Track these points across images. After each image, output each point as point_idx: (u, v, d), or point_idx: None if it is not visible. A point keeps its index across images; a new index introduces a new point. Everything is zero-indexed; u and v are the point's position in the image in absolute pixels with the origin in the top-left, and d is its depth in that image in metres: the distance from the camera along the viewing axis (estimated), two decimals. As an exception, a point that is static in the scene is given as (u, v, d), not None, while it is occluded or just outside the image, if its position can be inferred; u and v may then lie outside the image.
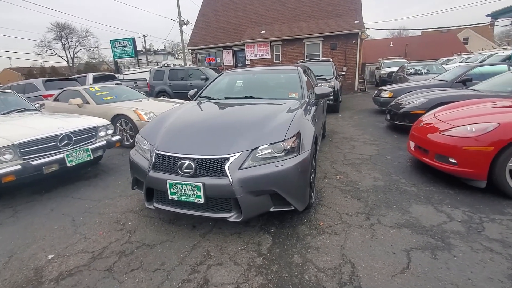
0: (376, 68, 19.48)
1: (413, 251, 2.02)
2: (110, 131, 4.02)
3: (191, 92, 3.91)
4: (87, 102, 5.57)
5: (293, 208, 2.23)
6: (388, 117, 6.32)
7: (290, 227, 2.43)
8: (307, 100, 3.21)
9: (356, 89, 14.81)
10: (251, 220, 2.49)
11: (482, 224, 2.32)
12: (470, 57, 18.33)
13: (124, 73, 13.72)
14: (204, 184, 2.07)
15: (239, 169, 2.08)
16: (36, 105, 4.90)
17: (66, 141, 3.32)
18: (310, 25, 14.48)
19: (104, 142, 3.78)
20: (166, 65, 14.80)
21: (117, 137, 3.99)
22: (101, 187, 3.52)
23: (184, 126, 2.60)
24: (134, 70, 15.15)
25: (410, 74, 11.71)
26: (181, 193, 2.16)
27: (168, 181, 2.16)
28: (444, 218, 2.43)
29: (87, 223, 2.66)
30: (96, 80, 10.44)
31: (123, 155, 4.90)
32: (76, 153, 3.33)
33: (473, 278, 1.74)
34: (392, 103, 6.26)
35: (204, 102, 3.40)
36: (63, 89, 6.26)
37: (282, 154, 2.19)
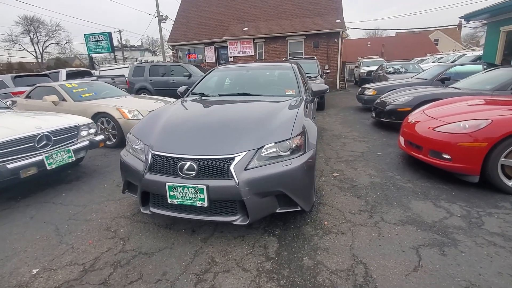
0: (356, 67, 19.97)
1: (422, 248, 2.01)
2: (92, 130, 3.73)
3: (182, 89, 3.72)
4: (64, 99, 5.17)
5: (299, 209, 2.16)
6: (374, 115, 6.46)
7: (295, 228, 2.35)
8: (304, 97, 3.15)
9: (337, 87, 15.08)
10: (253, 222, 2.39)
11: (481, 218, 2.37)
12: (442, 57, 19.32)
13: (100, 69, 13.00)
14: (207, 186, 1.94)
15: (245, 169, 1.97)
16: (8, 103, 4.46)
17: (44, 142, 3.02)
18: (292, 23, 14.52)
19: (87, 142, 3.49)
20: (144, 61, 14.26)
21: (100, 137, 3.71)
22: (85, 191, 3.26)
23: (182, 125, 2.43)
24: (109, 66, 14.42)
25: (389, 73, 12.09)
26: (182, 197, 2.01)
27: (167, 184, 2.01)
28: (444, 214, 2.47)
29: (73, 231, 2.43)
30: (70, 76, 9.79)
31: (105, 156, 4.60)
32: (56, 155, 3.04)
33: (483, 274, 1.75)
34: (378, 100, 6.39)
35: (198, 99, 3.23)
36: (36, 85, 5.76)
37: (288, 153, 2.10)
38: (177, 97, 3.76)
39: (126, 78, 11.13)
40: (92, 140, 3.54)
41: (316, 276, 1.80)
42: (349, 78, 22.11)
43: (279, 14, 15.52)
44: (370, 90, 7.83)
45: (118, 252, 2.12)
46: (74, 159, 3.25)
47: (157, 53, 53.97)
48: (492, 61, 9.26)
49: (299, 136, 2.16)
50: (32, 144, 2.93)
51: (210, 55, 15.90)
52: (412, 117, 3.96)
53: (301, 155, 2.12)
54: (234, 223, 2.02)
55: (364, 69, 17.19)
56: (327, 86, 3.43)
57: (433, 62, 17.27)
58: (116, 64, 13.20)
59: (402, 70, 12.10)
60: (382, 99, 6.30)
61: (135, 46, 43.05)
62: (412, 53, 27.44)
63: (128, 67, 12.63)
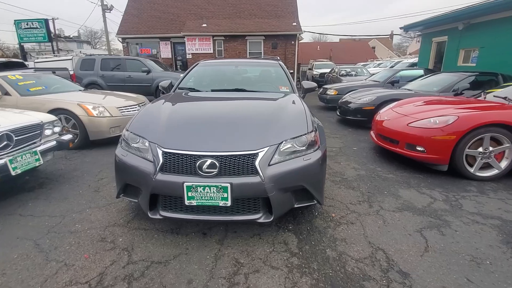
0: (309, 69, 21.08)
1: (424, 231, 2.24)
2: (57, 129, 3.22)
3: (165, 84, 3.46)
4: (7, 93, 4.34)
5: (315, 203, 2.20)
6: (339, 113, 6.92)
7: (306, 222, 2.39)
8: (297, 94, 3.21)
9: (295, 88, 15.70)
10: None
11: (458, 201, 2.73)
12: (382, 63, 21.66)
13: (35, 60, 11.23)
14: (231, 184, 1.84)
15: (269, 165, 1.93)
16: None
17: (5, 142, 2.49)
18: (251, 23, 14.64)
19: (54, 142, 3.00)
20: (81, 53, 12.83)
21: (68, 136, 3.23)
22: (56, 199, 2.80)
23: (192, 120, 2.26)
24: (47, 58, 12.58)
25: (342, 75, 13.08)
26: (202, 197, 1.87)
27: (185, 184, 1.85)
28: (429, 199, 2.78)
29: (59, 246, 2.07)
30: (-2, 67, 8.26)
31: (67, 159, 4.02)
32: (21, 158, 2.54)
33: (479, 247, 2.03)
34: (343, 100, 6.86)
35: (192, 94, 3.04)
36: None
37: (304, 148, 2.11)
38: (136, 92, 3.47)
39: (70, 72, 9.87)
40: (60, 140, 3.06)
41: (345, 266, 1.86)
42: (302, 79, 23.25)
43: (238, 13, 15.49)
44: (331, 90, 8.36)
45: (126, 265, 1.87)
46: (41, 162, 2.76)
47: (97, 46, 49.01)
48: (426, 67, 10.69)
49: (315, 131, 2.20)
50: (-12, 145, 2.40)
51: (166, 51, 15.05)
52: (383, 115, 4.34)
53: (317, 149, 2.16)
54: (258, 221, 1.96)
55: (317, 71, 18.27)
56: (315, 84, 3.55)
57: (374, 67, 19.26)
58: (57, 56, 11.55)
59: (353, 73, 13.21)
60: (346, 99, 6.78)
61: (71, 37, 38.34)
62: (355, 58, 30.11)
63: (72, 59, 11.22)
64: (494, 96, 3.98)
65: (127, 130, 2.23)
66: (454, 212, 2.52)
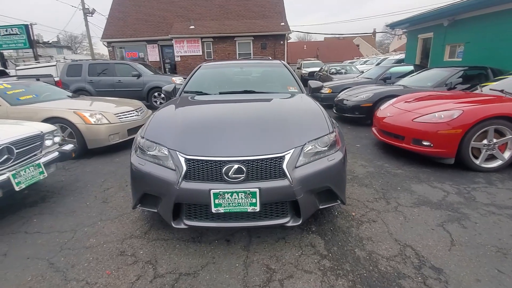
0: (298, 68, 21.23)
1: (446, 225, 2.26)
2: (57, 139, 3.06)
3: (168, 88, 3.36)
4: (-4, 103, 4.10)
5: (338, 203, 2.17)
6: (335, 111, 6.97)
7: (327, 222, 2.37)
8: (306, 93, 3.19)
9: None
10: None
11: (470, 193, 2.79)
12: (368, 60, 22.12)
13: (17, 68, 10.73)
14: (260, 189, 1.79)
15: (296, 167, 1.89)
16: None
17: (6, 156, 2.34)
18: (240, 24, 14.58)
19: (56, 153, 2.85)
20: (65, 59, 12.37)
21: (70, 146, 3.07)
22: (62, 213, 2.65)
23: (210, 124, 2.19)
24: (28, 64, 12.07)
25: (332, 73, 13.24)
26: (229, 203, 1.81)
27: (212, 192, 1.78)
28: (442, 193, 2.82)
29: (76, 263, 1.95)
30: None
31: (66, 169, 3.83)
32: (25, 171, 2.38)
33: (501, 238, 2.06)
34: (339, 98, 6.91)
35: (202, 98, 2.96)
36: None
37: (326, 148, 2.09)
38: (127, 98, 3.35)
39: (55, 78, 9.50)
40: (62, 151, 2.90)
41: (377, 265, 1.85)
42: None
43: (225, 14, 15.39)
44: (326, 88, 8.40)
45: (153, 279, 1.79)
46: (46, 175, 2.61)
47: (78, 51, 47.53)
48: (413, 63, 10.96)
49: (336, 131, 2.18)
50: (-12, 160, 2.24)
51: (153, 54, 14.76)
52: (384, 111, 4.39)
53: (339, 149, 2.14)
54: (287, 225, 1.92)
55: (305, 70, 18.41)
56: (322, 83, 3.54)
57: (361, 65, 19.64)
58: (38, 62, 11.07)
59: (343, 71, 13.39)
60: (342, 97, 6.83)
61: (50, 42, 37.04)
62: (341, 56, 30.62)
63: (56, 65, 10.81)
64: (490, 89, 4.10)
65: (143, 138, 2.14)
66: (469, 205, 2.56)
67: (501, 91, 3.86)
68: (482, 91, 4.26)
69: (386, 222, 2.33)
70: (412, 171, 3.41)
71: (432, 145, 3.36)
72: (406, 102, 4.39)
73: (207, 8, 15.59)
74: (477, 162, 3.28)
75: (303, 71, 18.83)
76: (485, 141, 3.24)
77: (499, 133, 3.27)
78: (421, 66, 8.80)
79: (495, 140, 3.23)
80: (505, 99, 3.57)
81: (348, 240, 2.12)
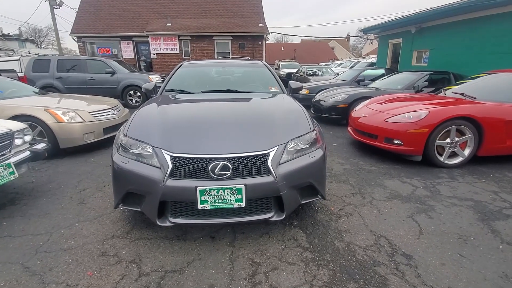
0: (275, 69, 21.54)
1: (415, 216, 2.46)
2: (28, 138, 2.90)
3: (149, 86, 3.30)
4: (-46, 100, 3.78)
5: (319, 198, 2.28)
6: (313, 111, 7.20)
7: (308, 217, 2.48)
8: (287, 93, 3.30)
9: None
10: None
11: (435, 187, 3.04)
12: (342, 63, 22.93)
13: (-26, 61, 9.86)
14: (245, 186, 1.85)
15: (279, 164, 1.97)
16: None
17: (-28, 156, 2.19)
18: (218, 23, 14.50)
19: (28, 153, 2.70)
20: (30, 53, 11.60)
21: (43, 145, 2.92)
22: (35, 215, 2.52)
23: (195, 123, 2.20)
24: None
25: (309, 75, 13.60)
26: (215, 200, 1.85)
27: (198, 189, 1.81)
28: (411, 187, 3.05)
29: (54, 266, 1.88)
30: None
31: (36, 170, 3.63)
32: (-6, 172, 2.25)
33: (462, 226, 2.29)
34: (316, 98, 7.15)
35: (184, 96, 2.95)
36: None
37: (307, 146, 2.19)
38: (100, 95, 3.28)
39: (18, 74, 8.88)
40: (34, 150, 2.76)
41: (355, 255, 1.97)
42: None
43: (203, 13, 15.22)
44: (304, 89, 8.64)
45: (138, 277, 1.78)
46: (17, 175, 2.46)
47: (43, 45, 44.53)
48: (384, 66, 11.58)
49: (317, 129, 2.29)
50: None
51: (128, 51, 14.23)
52: (359, 112, 4.63)
53: (320, 146, 2.25)
54: (271, 219, 1.99)
55: (283, 71, 18.75)
56: (302, 84, 3.66)
57: (336, 67, 20.33)
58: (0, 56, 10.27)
59: (319, 72, 13.80)
60: (318, 98, 7.08)
61: (11, 35, 34.36)
62: (317, 58, 31.47)
63: (19, 59, 10.11)
64: (452, 92, 4.48)
65: (125, 136, 2.11)
66: (435, 197, 2.80)
67: (462, 94, 4.22)
68: (445, 94, 4.63)
69: (362, 215, 2.49)
70: (385, 167, 3.64)
71: (402, 143, 3.61)
72: (378, 103, 4.66)
73: (184, 6, 15.33)
74: (441, 159, 3.57)
75: (281, 72, 19.16)
76: (448, 140, 3.54)
77: (460, 132, 3.58)
78: (392, 70, 9.33)
79: (456, 139, 3.54)
80: (465, 101, 3.92)
81: (328, 232, 2.24)
